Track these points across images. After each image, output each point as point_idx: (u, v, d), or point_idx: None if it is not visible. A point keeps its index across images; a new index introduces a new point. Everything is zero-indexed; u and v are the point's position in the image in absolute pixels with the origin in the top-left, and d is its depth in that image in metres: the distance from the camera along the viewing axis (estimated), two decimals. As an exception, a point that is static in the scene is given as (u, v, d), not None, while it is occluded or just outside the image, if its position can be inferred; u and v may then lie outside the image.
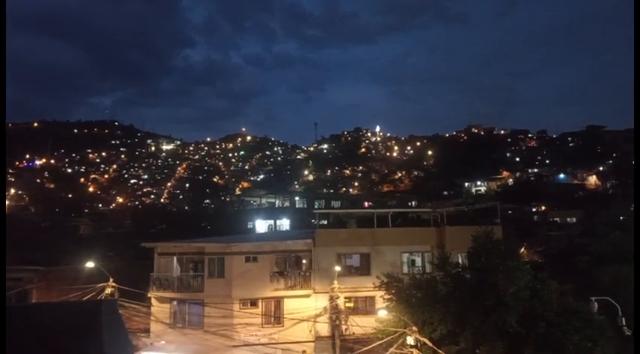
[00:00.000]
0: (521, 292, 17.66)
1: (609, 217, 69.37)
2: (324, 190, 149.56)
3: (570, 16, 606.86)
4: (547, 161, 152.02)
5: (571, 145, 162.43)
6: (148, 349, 26.10)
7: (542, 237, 61.97)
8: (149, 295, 27.28)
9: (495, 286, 17.60)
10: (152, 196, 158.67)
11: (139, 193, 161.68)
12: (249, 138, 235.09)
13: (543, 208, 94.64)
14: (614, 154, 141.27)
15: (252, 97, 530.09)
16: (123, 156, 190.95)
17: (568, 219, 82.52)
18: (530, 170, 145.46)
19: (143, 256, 31.76)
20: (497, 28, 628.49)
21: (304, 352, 26.86)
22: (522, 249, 47.02)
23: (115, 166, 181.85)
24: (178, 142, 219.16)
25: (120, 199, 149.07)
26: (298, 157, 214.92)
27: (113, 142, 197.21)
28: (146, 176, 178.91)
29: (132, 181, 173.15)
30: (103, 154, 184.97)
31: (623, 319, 17.79)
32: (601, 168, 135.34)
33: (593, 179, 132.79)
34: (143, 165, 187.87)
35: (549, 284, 18.77)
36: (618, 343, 18.24)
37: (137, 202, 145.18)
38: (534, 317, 17.49)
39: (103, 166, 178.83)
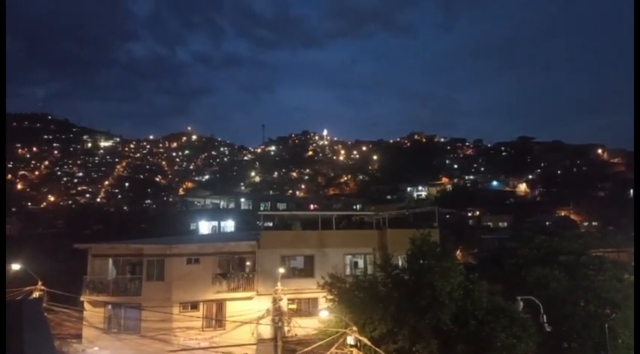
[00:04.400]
0: (455, 292, 18.66)
1: (536, 222, 74.68)
2: (271, 192, 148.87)
3: (504, 33, 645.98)
4: (482, 169, 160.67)
5: (504, 154, 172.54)
6: (79, 355, 24.84)
7: (475, 240, 65.41)
8: (82, 298, 25.96)
9: (431, 285, 18.47)
10: (87, 195, 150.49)
11: (73, 191, 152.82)
12: (194, 137, 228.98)
13: (478, 213, 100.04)
14: (542, 164, 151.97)
15: (199, 96, 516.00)
16: (56, 152, 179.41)
17: (500, 223, 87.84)
18: (466, 177, 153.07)
19: (76, 258, 30.17)
20: (439, 40, 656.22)
21: (245, 354, 26.67)
22: (457, 251, 49.43)
23: (47, 163, 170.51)
24: (117, 139, 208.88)
25: (52, 198, 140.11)
26: (245, 158, 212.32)
27: (46, 136, 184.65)
28: (81, 174, 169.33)
29: (65, 178, 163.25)
30: (34, 149, 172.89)
31: (545, 316, 19.33)
32: (530, 176, 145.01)
33: (523, 187, 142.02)
34: (78, 162, 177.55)
35: (480, 284, 19.93)
36: (540, 339, 19.72)
37: (71, 201, 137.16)
38: (466, 315, 18.52)
39: (33, 162, 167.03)
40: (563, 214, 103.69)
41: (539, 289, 21.95)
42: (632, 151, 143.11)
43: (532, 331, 18.80)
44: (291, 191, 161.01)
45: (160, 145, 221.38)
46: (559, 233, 33.82)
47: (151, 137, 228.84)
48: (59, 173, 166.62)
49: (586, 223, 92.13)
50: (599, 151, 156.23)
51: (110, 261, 27.54)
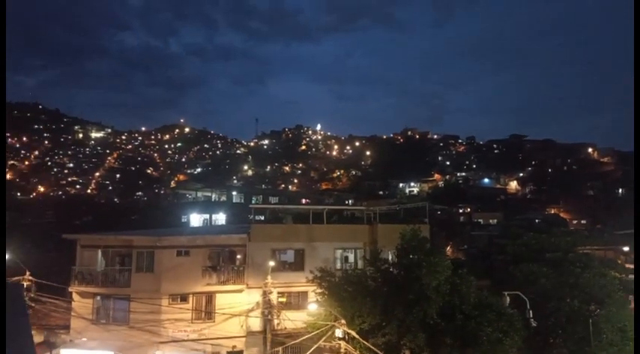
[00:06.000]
0: (442, 287, 18.83)
1: (525, 219, 75.39)
2: (263, 185, 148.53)
3: (499, 31, 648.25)
4: (474, 166, 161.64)
5: (496, 151, 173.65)
6: (67, 346, 24.74)
7: (465, 236, 65.92)
8: (70, 289, 25.84)
9: (419, 280, 18.62)
10: (78, 186, 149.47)
11: (64, 182, 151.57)
12: (187, 129, 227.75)
13: (468, 209, 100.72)
14: (533, 162, 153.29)
15: (192, 88, 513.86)
16: (46, 142, 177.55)
17: (490, 220, 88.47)
18: (458, 174, 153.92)
19: (65, 248, 29.99)
20: (433, 36, 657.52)
21: (234, 347, 26.76)
22: (447, 247, 49.84)
23: (37, 153, 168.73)
24: (109, 130, 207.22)
25: (41, 188, 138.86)
26: (238, 151, 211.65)
27: (36, 126, 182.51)
28: (72, 165, 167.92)
29: (55, 169, 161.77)
30: (24, 138, 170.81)
31: (531, 312, 19.59)
32: (521, 174, 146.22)
33: (513, 184, 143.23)
34: (69, 152, 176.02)
35: (468, 280, 20.11)
36: (525, 333, 19.99)
37: (60, 192, 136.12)
38: (453, 310, 18.71)
39: (23, 151, 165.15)
40: (552, 211, 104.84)
41: (527, 285, 22.22)
42: (620, 151, 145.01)
43: (518, 326, 19.04)
44: (283, 185, 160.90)
45: (152, 137, 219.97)
46: (548, 230, 34.17)
47: (143, 129, 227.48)
48: (49, 163, 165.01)
49: (575, 222, 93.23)
50: (590, 150, 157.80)
51: (99, 252, 27.36)
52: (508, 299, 19.80)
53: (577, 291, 22.37)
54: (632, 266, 30.38)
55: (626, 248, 37.79)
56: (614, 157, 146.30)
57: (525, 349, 21.28)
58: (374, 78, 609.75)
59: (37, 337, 22.53)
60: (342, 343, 18.45)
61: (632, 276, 26.42)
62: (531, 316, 19.52)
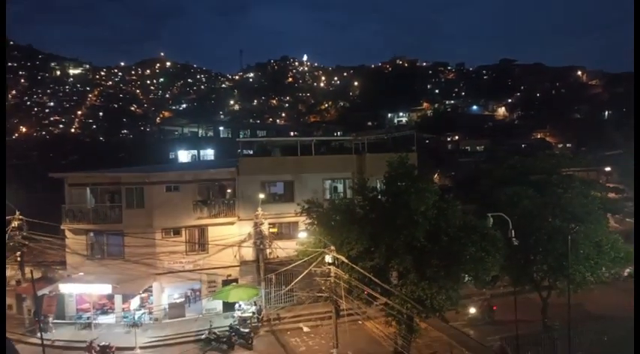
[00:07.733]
0: (429, 211, 19.27)
1: (512, 145, 76.27)
2: (251, 120, 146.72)
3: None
4: (463, 93, 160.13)
5: (485, 78, 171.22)
6: (65, 280, 25.46)
7: (453, 164, 66.84)
8: (62, 227, 26.10)
9: (407, 205, 18.99)
10: (61, 126, 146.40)
11: (45, 121, 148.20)
12: (168, 64, 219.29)
13: (457, 137, 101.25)
14: (522, 87, 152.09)
15: (169, 19, 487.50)
16: (23, 80, 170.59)
17: (477, 147, 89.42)
18: (447, 102, 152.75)
19: (54, 188, 29.88)
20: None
21: (229, 276, 27.82)
22: (435, 175, 50.63)
23: (14, 92, 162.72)
24: (87, 67, 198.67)
25: (23, 129, 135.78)
26: (223, 85, 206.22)
27: (9, 64, 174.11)
28: (52, 103, 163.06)
29: (36, 108, 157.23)
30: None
31: (513, 231, 20.27)
32: (509, 100, 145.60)
33: (502, 110, 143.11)
34: (48, 91, 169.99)
35: (454, 204, 20.55)
36: (507, 252, 20.85)
37: (44, 132, 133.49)
38: (439, 233, 19.29)
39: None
40: (539, 136, 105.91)
41: (511, 207, 22.77)
42: (609, 73, 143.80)
43: (500, 245, 19.78)
44: (271, 119, 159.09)
45: (133, 72, 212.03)
46: (533, 154, 34.57)
47: (122, 64, 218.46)
48: (29, 103, 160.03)
49: (560, 145, 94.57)
50: (579, 73, 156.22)
51: (88, 190, 27.38)
52: (491, 220, 20.32)
53: (559, 210, 23.03)
54: (612, 185, 31.27)
55: (607, 169, 38.71)
56: (602, 79, 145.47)
57: (507, 266, 22.33)
58: (361, 3, 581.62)
59: (36, 273, 23.05)
60: (332, 268, 19.17)
61: (611, 194, 27.29)
62: (513, 235, 20.19)
